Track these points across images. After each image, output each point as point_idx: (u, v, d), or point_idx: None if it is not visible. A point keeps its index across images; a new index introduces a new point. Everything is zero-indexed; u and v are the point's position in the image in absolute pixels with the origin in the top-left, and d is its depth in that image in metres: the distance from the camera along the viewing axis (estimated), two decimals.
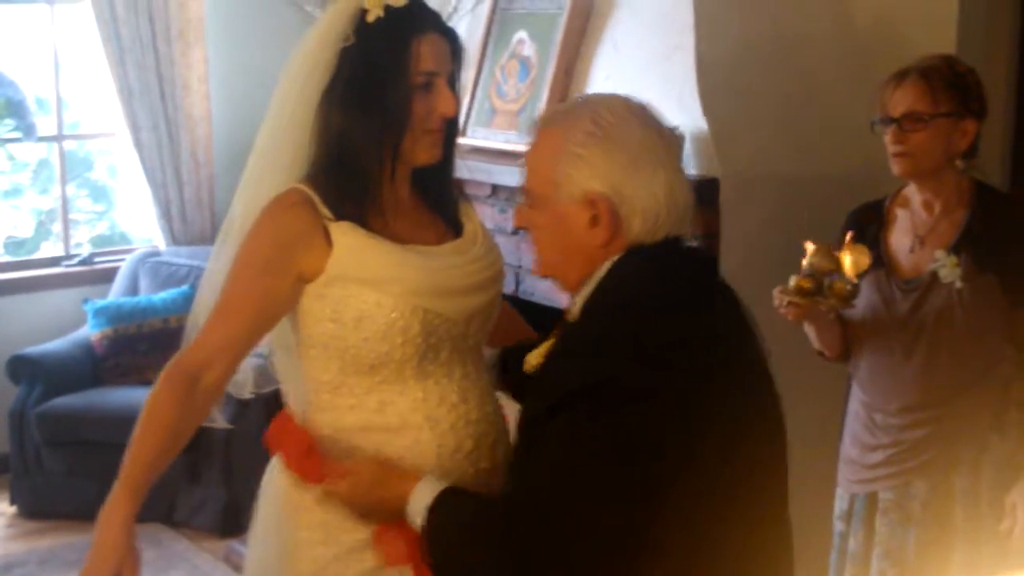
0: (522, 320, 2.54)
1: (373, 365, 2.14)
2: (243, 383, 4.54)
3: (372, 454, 2.14)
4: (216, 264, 2.27)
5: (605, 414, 1.70)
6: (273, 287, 2.12)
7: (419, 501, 1.93)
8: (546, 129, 1.89)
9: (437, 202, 2.28)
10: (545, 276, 1.96)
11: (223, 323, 2.13)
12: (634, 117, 1.84)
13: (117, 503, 2.04)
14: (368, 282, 2.11)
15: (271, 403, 4.40)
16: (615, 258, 1.84)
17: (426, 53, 2.12)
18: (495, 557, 1.80)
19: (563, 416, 1.74)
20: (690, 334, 1.78)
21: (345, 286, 2.12)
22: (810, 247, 2.69)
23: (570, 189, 1.83)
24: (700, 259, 1.93)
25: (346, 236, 2.12)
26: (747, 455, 1.80)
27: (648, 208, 1.81)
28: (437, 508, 1.91)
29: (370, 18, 2.12)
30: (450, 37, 2.18)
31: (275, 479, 2.26)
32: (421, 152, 2.17)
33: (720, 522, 1.76)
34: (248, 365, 4.51)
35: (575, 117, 1.85)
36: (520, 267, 3.89)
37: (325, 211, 2.12)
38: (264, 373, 3.30)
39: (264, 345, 2.30)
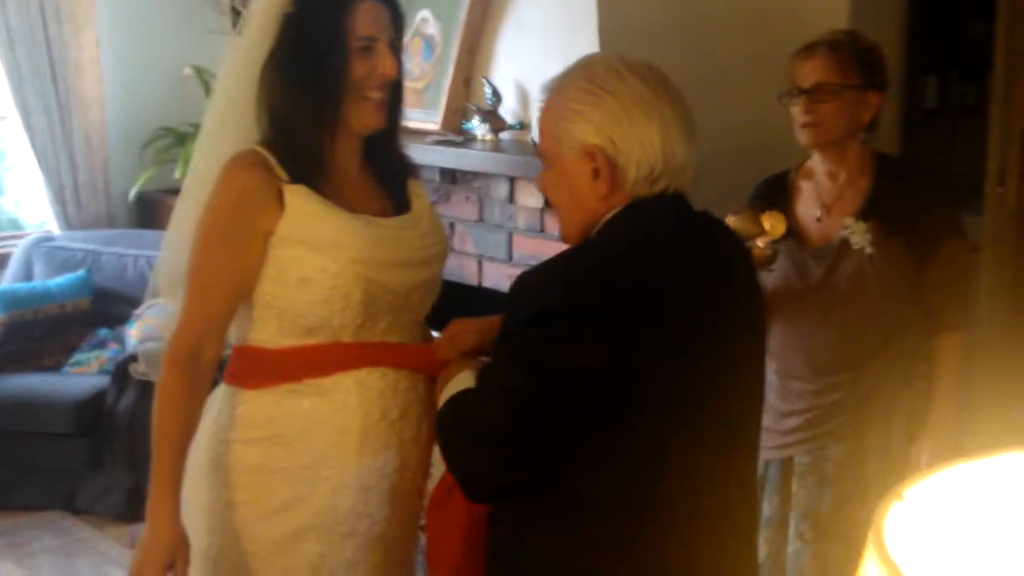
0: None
1: (310, 328, 2.18)
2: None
3: (300, 413, 2.20)
4: (178, 226, 2.31)
5: (546, 341, 1.80)
6: (241, 255, 2.16)
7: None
8: (548, 92, 1.97)
9: (385, 175, 2.32)
10: (567, 239, 2.01)
11: (203, 302, 2.17)
12: (629, 72, 1.90)
13: (160, 499, 2.11)
14: (316, 246, 2.14)
15: None
16: (614, 212, 1.91)
17: (363, 19, 2.16)
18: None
19: (513, 339, 1.86)
20: (650, 277, 1.85)
21: (293, 248, 2.15)
22: (731, 219, 2.76)
23: (570, 143, 1.90)
24: (693, 214, 1.99)
25: (299, 199, 2.15)
26: (707, 391, 1.88)
27: (642, 158, 1.88)
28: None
29: None
30: (389, 3, 2.22)
31: (202, 441, 2.26)
32: (365, 117, 2.20)
33: (668, 449, 1.85)
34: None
35: (572, 77, 1.94)
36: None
37: (281, 173, 2.15)
38: None
39: None
